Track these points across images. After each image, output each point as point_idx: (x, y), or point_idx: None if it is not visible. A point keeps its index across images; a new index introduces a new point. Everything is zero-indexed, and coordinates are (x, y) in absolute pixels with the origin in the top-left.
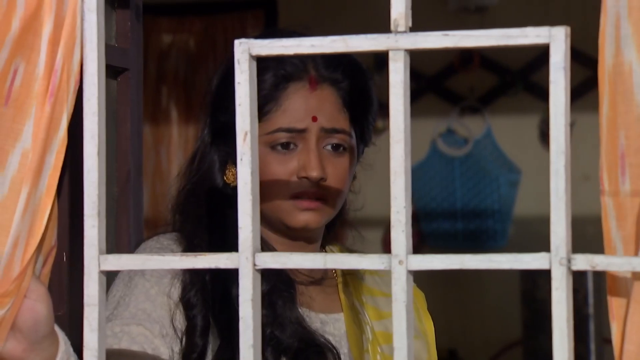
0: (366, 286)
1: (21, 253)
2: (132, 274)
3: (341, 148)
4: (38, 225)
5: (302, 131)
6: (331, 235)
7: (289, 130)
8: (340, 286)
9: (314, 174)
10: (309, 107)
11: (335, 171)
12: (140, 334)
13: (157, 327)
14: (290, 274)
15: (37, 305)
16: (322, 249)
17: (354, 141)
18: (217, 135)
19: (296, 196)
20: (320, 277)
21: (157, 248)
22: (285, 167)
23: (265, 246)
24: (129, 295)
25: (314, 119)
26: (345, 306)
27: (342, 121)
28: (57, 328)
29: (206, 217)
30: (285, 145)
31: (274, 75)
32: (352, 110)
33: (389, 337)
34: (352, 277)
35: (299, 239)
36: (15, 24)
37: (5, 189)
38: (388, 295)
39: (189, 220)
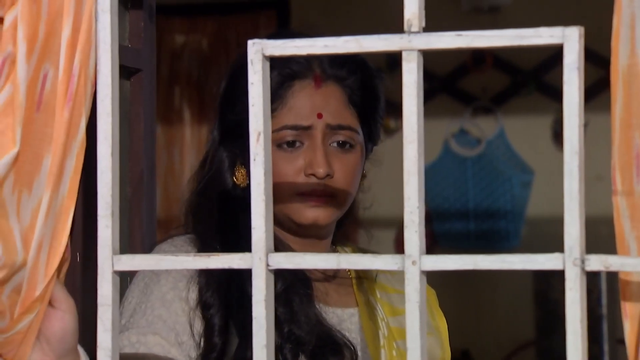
0: (379, 283)
1: (45, 257)
2: (148, 280)
3: (348, 145)
4: (61, 228)
5: (307, 128)
6: (341, 234)
7: (294, 128)
8: (354, 285)
9: (321, 170)
10: (314, 105)
11: (342, 168)
12: (157, 344)
13: (173, 335)
14: (306, 271)
15: (67, 316)
16: (334, 247)
17: (361, 138)
18: (226, 136)
19: (303, 194)
20: (333, 274)
21: (172, 251)
22: (292, 165)
23: (281, 245)
24: (145, 302)
25: (319, 115)
26: (361, 302)
27: (348, 118)
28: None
29: (218, 218)
30: (291, 144)
31: (280, 74)
32: (358, 108)
33: (403, 333)
34: (365, 275)
35: (310, 236)
36: (42, 29)
37: (41, 192)
38: (401, 292)
39: (202, 221)
